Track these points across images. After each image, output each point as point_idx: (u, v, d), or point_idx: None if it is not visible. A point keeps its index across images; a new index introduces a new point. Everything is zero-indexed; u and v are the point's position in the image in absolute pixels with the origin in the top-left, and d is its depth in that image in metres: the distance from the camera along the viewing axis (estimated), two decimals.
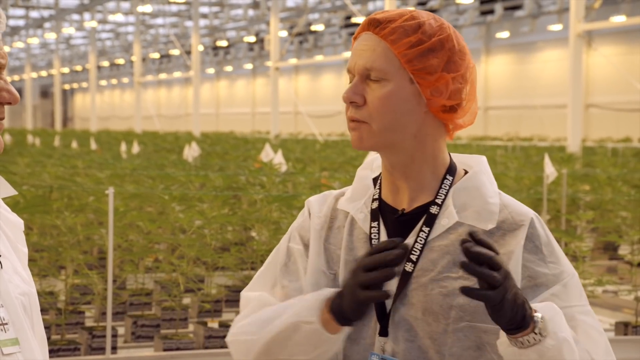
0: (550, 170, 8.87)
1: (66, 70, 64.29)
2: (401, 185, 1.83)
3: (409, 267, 1.77)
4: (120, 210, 6.28)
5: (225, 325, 5.92)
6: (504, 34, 36.83)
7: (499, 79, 37.32)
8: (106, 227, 5.73)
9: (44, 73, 64.31)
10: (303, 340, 1.72)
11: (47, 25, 49.21)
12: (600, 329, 1.77)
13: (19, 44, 55.04)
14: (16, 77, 64.69)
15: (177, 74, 46.89)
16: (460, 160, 1.88)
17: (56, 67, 48.16)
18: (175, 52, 51.07)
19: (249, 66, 54.07)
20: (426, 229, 1.79)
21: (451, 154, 1.88)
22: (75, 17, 46.57)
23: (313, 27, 41.78)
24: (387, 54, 1.77)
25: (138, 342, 6.08)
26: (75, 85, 75.13)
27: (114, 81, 68.94)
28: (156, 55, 55.14)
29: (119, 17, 45.84)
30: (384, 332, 1.77)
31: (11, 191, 1.63)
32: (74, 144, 20.67)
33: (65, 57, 64.10)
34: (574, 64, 17.56)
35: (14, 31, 51.93)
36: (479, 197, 1.81)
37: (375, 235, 1.81)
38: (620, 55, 31.03)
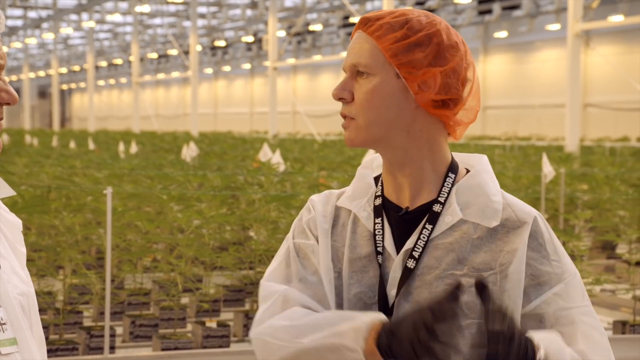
0: (548, 169, 8.88)
1: (64, 70, 64.26)
2: (402, 182, 1.83)
3: (410, 263, 1.77)
4: (118, 210, 6.28)
5: (223, 325, 5.92)
6: (502, 34, 36.85)
7: (497, 78, 37.34)
8: (104, 227, 5.73)
9: (41, 73, 64.27)
10: None
11: (45, 25, 49.20)
12: (602, 330, 1.78)
13: (17, 44, 55.01)
14: (14, 77, 64.65)
15: (175, 74, 46.86)
16: (461, 159, 1.89)
17: (54, 67, 48.13)
18: (173, 52, 51.07)
19: (247, 66, 54.07)
20: (429, 227, 1.79)
21: (452, 153, 1.88)
22: (73, 17, 46.54)
23: (311, 27, 41.78)
24: (373, 50, 1.79)
25: (136, 341, 6.08)
26: (73, 86, 75.09)
27: (111, 81, 68.91)
28: (154, 55, 55.11)
29: (116, 17, 45.82)
30: None
31: (9, 191, 1.63)
32: (72, 144, 20.66)
33: (63, 57, 64.07)
34: (572, 64, 17.58)
35: (11, 31, 51.90)
36: (483, 195, 1.81)
37: (379, 232, 1.82)
38: (618, 54, 31.05)
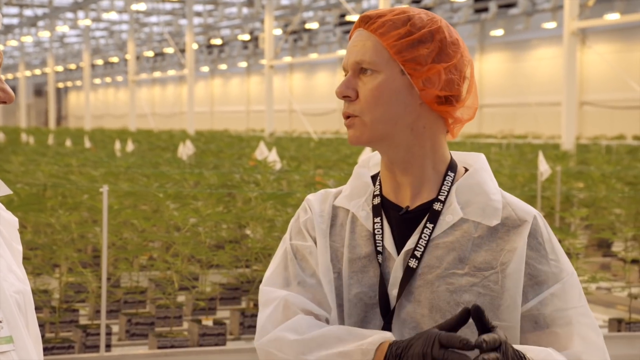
0: (544, 167, 8.89)
1: (60, 68, 64.19)
2: (402, 181, 1.83)
3: (412, 263, 1.77)
4: (114, 208, 6.28)
5: (219, 323, 5.92)
6: (498, 32, 36.87)
7: (493, 76, 37.36)
8: (100, 225, 5.73)
9: (37, 71, 64.20)
10: None
11: (41, 23, 49.15)
12: (598, 330, 1.78)
13: (13, 43, 54.93)
14: (10, 76, 64.58)
15: (172, 72, 46.80)
16: (459, 157, 1.89)
17: (50, 65, 48.07)
18: (169, 50, 51.02)
19: (243, 64, 54.05)
20: (430, 226, 1.79)
21: (450, 151, 1.88)
22: (69, 15, 46.51)
23: (307, 25, 41.79)
24: (376, 47, 1.78)
25: (132, 340, 6.07)
26: (69, 84, 75.01)
27: (108, 79, 68.85)
28: (150, 54, 55.07)
29: (113, 16, 45.75)
30: (388, 328, 1.77)
31: (6, 190, 1.63)
32: (68, 143, 20.63)
33: (59, 56, 63.98)
34: (568, 62, 17.59)
35: (7, 29, 51.81)
36: (482, 193, 1.81)
37: (378, 231, 1.81)
38: (614, 52, 31.08)
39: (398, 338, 1.75)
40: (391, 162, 1.83)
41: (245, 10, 42.39)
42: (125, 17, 46.41)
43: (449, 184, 1.82)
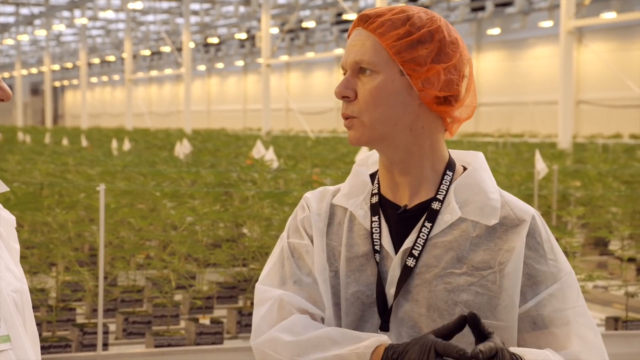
0: (541, 166, 8.89)
1: (57, 67, 64.13)
2: (401, 181, 1.82)
3: (410, 262, 1.76)
4: (111, 207, 6.27)
5: (216, 322, 5.91)
6: (494, 31, 36.89)
7: (490, 75, 37.38)
8: (97, 224, 5.72)
9: (34, 70, 64.12)
10: None
11: (37, 22, 49.07)
12: (596, 330, 1.78)
13: (9, 41, 54.88)
14: (6, 75, 64.48)
15: (168, 71, 46.80)
16: (457, 156, 1.88)
17: (46, 64, 48.02)
18: (166, 49, 50.99)
19: (240, 63, 54.03)
20: (428, 225, 1.78)
21: (448, 150, 1.87)
22: (66, 14, 46.46)
23: (304, 24, 41.78)
24: (376, 47, 1.77)
25: (129, 338, 6.07)
26: (65, 83, 74.94)
27: (104, 78, 68.79)
28: (147, 52, 55.03)
29: (109, 14, 45.70)
30: (385, 327, 1.76)
31: (3, 187, 1.63)
32: (65, 141, 20.61)
33: (55, 54, 63.94)
34: (565, 61, 17.60)
35: (4, 28, 51.77)
36: (481, 192, 1.81)
37: (376, 230, 1.81)
38: (610, 51, 31.11)
39: (395, 337, 1.75)
40: (390, 162, 1.82)
41: (242, 8, 42.39)
42: (122, 15, 46.35)
43: (448, 183, 1.81)
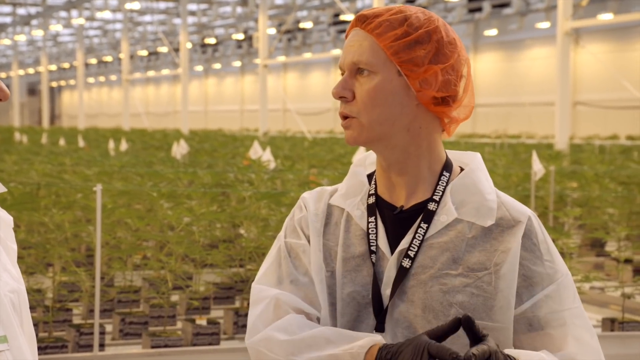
0: (538, 167, 8.90)
1: (54, 67, 64.07)
2: (397, 181, 1.82)
3: (406, 263, 1.77)
4: (108, 208, 6.27)
5: (213, 323, 5.91)
6: (492, 32, 36.91)
7: (487, 76, 37.39)
8: (94, 225, 5.72)
9: (31, 70, 64.07)
10: None
11: (34, 22, 49.04)
12: (592, 331, 1.78)
13: (6, 41, 54.82)
14: (3, 75, 64.28)
15: (166, 72, 46.74)
16: (454, 157, 1.88)
17: (43, 64, 47.98)
18: (163, 49, 50.96)
19: (237, 64, 54.02)
20: (424, 226, 1.78)
21: (446, 150, 1.87)
22: (63, 14, 46.42)
23: (301, 25, 41.77)
24: (373, 48, 1.77)
25: (126, 339, 6.06)
26: (62, 83, 74.87)
27: (101, 78, 68.74)
28: (144, 53, 54.99)
29: (106, 14, 45.71)
30: (380, 328, 1.77)
31: (0, 188, 1.63)
32: (62, 142, 20.60)
33: (52, 55, 63.86)
34: (562, 62, 17.62)
35: (0, 28, 51.70)
36: (477, 193, 1.80)
37: (372, 231, 1.81)
38: (607, 52, 31.14)
39: (391, 337, 1.75)
40: (387, 163, 1.82)
41: (239, 9, 42.38)
42: (119, 16, 46.33)
43: (444, 184, 1.81)
